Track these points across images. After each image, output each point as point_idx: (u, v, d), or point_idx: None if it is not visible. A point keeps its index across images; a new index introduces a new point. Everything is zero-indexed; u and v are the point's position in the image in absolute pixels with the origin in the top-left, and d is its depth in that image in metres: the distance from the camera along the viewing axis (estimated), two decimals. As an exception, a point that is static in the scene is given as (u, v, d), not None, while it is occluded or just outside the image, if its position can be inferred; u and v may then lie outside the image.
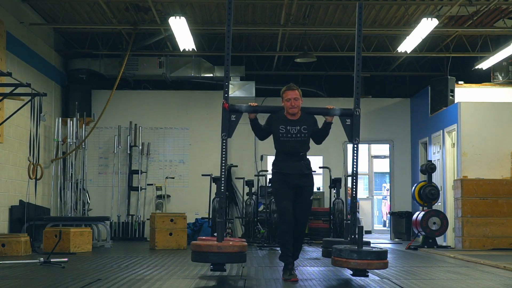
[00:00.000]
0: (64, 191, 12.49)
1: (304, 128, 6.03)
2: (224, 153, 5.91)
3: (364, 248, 5.58)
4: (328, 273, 6.67)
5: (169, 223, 10.52)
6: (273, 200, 11.13)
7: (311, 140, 6.20)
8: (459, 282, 5.91)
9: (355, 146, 6.04)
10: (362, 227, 5.80)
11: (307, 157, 6.22)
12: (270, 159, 14.86)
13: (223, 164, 5.86)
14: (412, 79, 14.99)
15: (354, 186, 6.10)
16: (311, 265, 7.55)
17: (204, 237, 6.20)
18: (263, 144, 14.43)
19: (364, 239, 5.87)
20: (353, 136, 6.03)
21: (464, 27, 11.79)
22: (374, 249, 5.58)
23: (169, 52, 13.27)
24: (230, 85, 13.46)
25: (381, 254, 5.52)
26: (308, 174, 6.11)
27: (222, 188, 5.86)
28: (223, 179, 5.85)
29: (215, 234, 5.80)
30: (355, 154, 6.08)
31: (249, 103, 6.23)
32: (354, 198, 6.05)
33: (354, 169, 6.08)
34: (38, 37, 11.74)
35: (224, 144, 5.93)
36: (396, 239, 14.07)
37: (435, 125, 13.12)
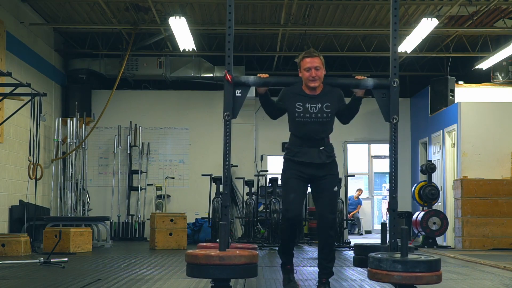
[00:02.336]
0: (64, 191, 12.49)
1: (327, 106, 4.89)
2: (228, 138, 4.75)
3: (410, 256, 4.35)
4: (328, 273, 6.65)
5: (169, 223, 10.52)
6: (273, 200, 11.13)
7: (335, 119, 5.05)
8: (459, 282, 5.91)
9: (394, 126, 4.76)
10: (407, 228, 4.48)
11: (330, 141, 5.06)
12: (270, 159, 14.97)
13: (227, 152, 4.73)
14: (412, 79, 14.99)
15: (393, 177, 4.78)
16: (311, 265, 7.55)
17: (204, 243, 5.24)
18: (263, 144, 14.48)
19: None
20: (391, 113, 4.77)
21: (464, 27, 11.79)
22: (423, 258, 4.28)
23: (169, 52, 13.27)
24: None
25: (433, 264, 4.25)
26: (329, 163, 4.97)
27: (226, 184, 4.73)
28: (227, 171, 4.69)
29: (218, 240, 4.58)
30: (393, 136, 4.74)
31: (258, 74, 4.93)
32: (393, 192, 4.80)
33: (393, 155, 4.76)
34: (38, 37, 11.74)
35: (227, 126, 4.74)
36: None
37: (435, 125, 13.12)
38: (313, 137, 4.91)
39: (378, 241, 5.21)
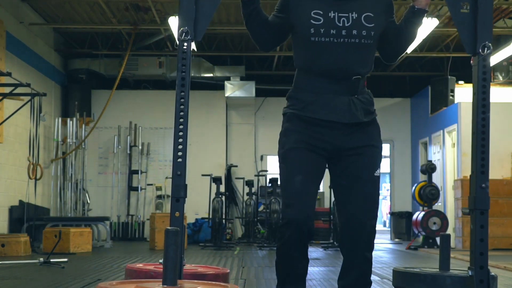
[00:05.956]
0: (64, 191, 12.49)
1: (368, 18, 2.83)
2: (184, 77, 2.96)
3: None
4: (329, 274, 6.65)
5: (169, 223, 10.49)
6: (273, 200, 11.10)
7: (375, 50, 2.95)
8: (459, 282, 5.90)
9: (483, 60, 2.76)
10: None
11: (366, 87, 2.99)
12: (270, 159, 14.95)
13: (183, 101, 2.98)
14: (412, 79, 14.99)
15: (481, 154, 2.75)
16: (311, 265, 7.54)
17: (139, 264, 3.31)
18: (263, 144, 14.45)
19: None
20: (478, 39, 2.75)
21: (464, 27, 11.78)
22: None
23: (169, 52, 13.26)
24: (230, 85, 13.69)
25: None
26: (367, 124, 2.90)
27: (180, 156, 2.78)
28: (181, 130, 2.82)
29: (161, 260, 2.65)
30: (483, 79, 2.75)
31: None
32: (482, 180, 2.74)
33: (482, 114, 2.74)
34: (38, 37, 11.73)
35: (185, 53, 2.89)
36: (396, 239, 14.06)
37: (435, 125, 13.12)
38: (341, 74, 2.83)
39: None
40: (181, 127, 2.81)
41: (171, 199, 2.78)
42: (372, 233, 2.86)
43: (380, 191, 2.96)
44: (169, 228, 2.46)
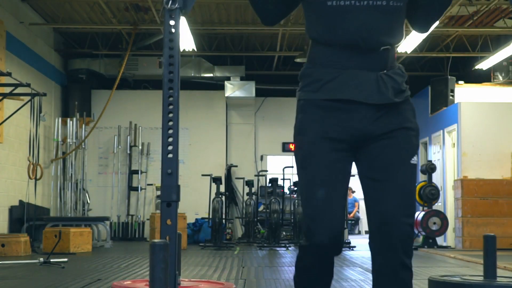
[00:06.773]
0: (64, 191, 12.49)
1: None
2: (171, 46, 2.29)
3: None
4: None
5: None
6: (273, 200, 11.10)
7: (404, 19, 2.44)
8: (459, 282, 5.89)
9: None
10: None
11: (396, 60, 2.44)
12: (270, 159, 14.96)
13: (171, 78, 2.30)
14: (412, 79, 14.97)
15: None
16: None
17: (127, 282, 2.99)
18: (263, 144, 14.46)
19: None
20: None
21: (464, 27, 11.79)
22: None
23: (169, 52, 13.25)
24: (230, 85, 13.69)
25: None
26: (400, 105, 2.35)
27: (171, 151, 2.26)
28: (171, 119, 2.27)
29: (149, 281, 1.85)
30: None
31: None
32: None
33: None
34: (38, 37, 11.73)
35: (171, 23, 2.28)
36: (396, 239, 14.06)
37: (435, 125, 13.12)
38: (367, 45, 2.32)
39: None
40: (170, 115, 2.25)
41: (161, 204, 2.22)
42: (410, 235, 2.32)
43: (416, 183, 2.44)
44: (155, 240, 1.81)
